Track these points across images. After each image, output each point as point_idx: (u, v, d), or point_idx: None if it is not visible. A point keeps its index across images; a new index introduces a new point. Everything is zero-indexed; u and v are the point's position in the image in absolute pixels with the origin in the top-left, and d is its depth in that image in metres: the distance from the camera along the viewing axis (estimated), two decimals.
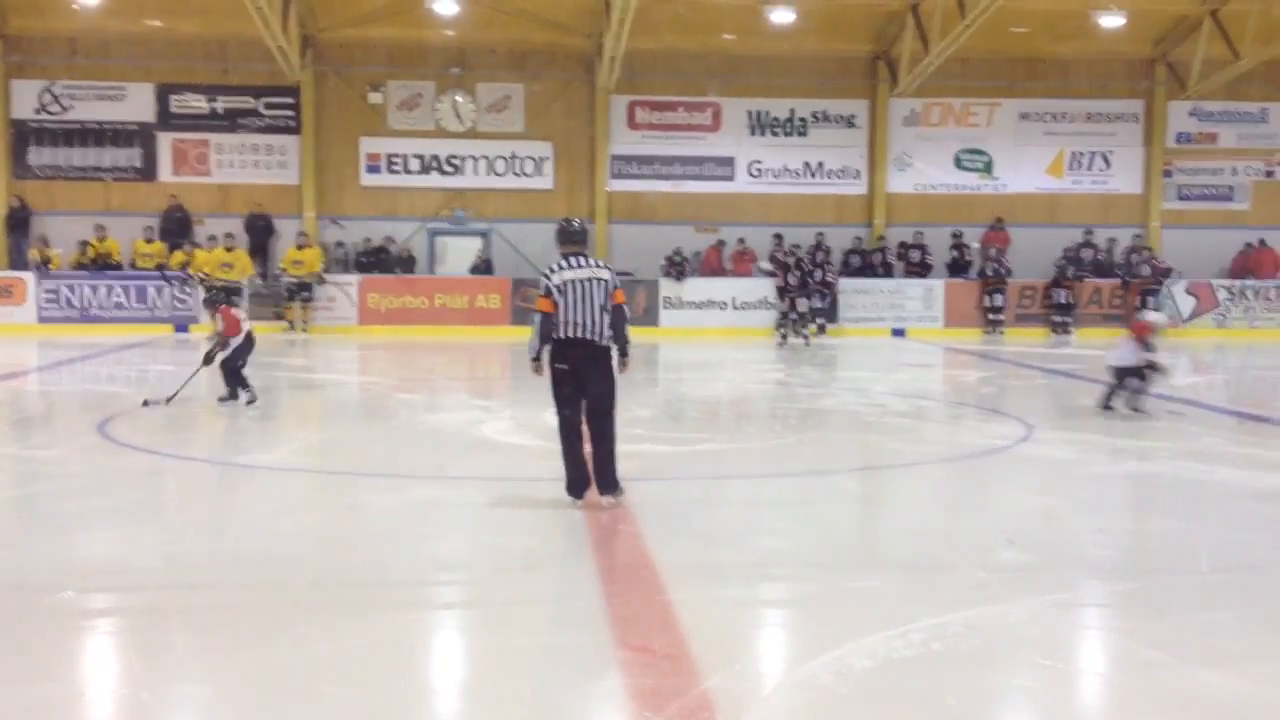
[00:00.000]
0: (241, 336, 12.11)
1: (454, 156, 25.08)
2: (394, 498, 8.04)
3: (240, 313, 12.37)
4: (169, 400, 12.08)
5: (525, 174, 25.24)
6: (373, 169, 25.02)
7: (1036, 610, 5.52)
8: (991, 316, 23.88)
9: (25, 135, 24.13)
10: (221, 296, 21.31)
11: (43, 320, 21.88)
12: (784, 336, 22.58)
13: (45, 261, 22.85)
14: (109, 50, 24.02)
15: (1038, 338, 23.50)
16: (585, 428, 7.41)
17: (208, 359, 12.19)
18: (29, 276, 22.20)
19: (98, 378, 15.55)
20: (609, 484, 7.40)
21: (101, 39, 23.84)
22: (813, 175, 25.74)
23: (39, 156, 24.21)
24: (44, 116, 24.18)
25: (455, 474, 8.82)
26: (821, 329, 23.08)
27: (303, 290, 22.30)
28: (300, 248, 22.79)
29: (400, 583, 5.96)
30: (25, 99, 24.12)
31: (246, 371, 12.27)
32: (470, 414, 12.37)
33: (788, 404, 13.95)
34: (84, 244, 23.28)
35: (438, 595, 5.90)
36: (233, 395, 12.17)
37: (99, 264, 22.90)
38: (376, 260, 24.02)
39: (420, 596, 5.82)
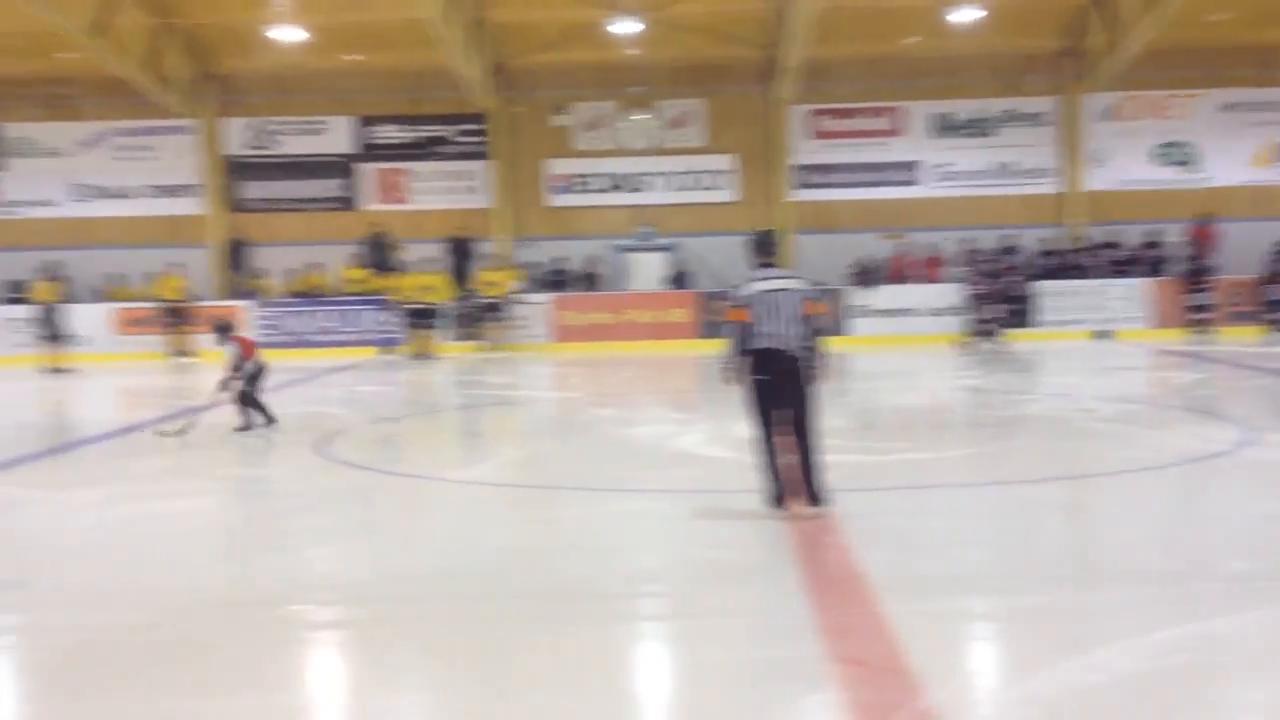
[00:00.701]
0: (254, 362, 12.09)
1: (638, 174, 25.39)
2: (595, 511, 8.19)
3: (250, 338, 12.35)
4: (180, 432, 11.88)
5: (708, 188, 25.38)
6: (560, 189, 25.54)
7: (1275, 622, 5.25)
8: (1197, 315, 22.80)
9: (239, 170, 25.51)
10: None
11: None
12: (976, 342, 22.04)
13: (260, 290, 24.09)
14: (311, 86, 25.19)
15: (1253, 336, 22.32)
16: (783, 439, 7.40)
17: (224, 387, 12.05)
18: (245, 305, 23.42)
19: (313, 399, 16.27)
20: (814, 494, 7.36)
21: (304, 75, 25.02)
22: (1000, 176, 25.12)
23: (252, 190, 25.56)
24: (254, 152, 25.52)
25: (654, 487, 8.91)
26: (1010, 333, 22.43)
27: (497, 310, 22.88)
28: (492, 269, 23.40)
29: (605, 595, 6.05)
30: (238, 136, 25.50)
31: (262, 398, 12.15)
32: (665, 427, 12.47)
33: (986, 411, 13.62)
34: (293, 272, 24.44)
35: (643, 607, 5.97)
36: (247, 425, 12.03)
37: (310, 292, 24.02)
38: (566, 278, 24.51)
39: (626, 609, 5.90)
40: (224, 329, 12.38)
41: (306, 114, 25.46)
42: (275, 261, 24.85)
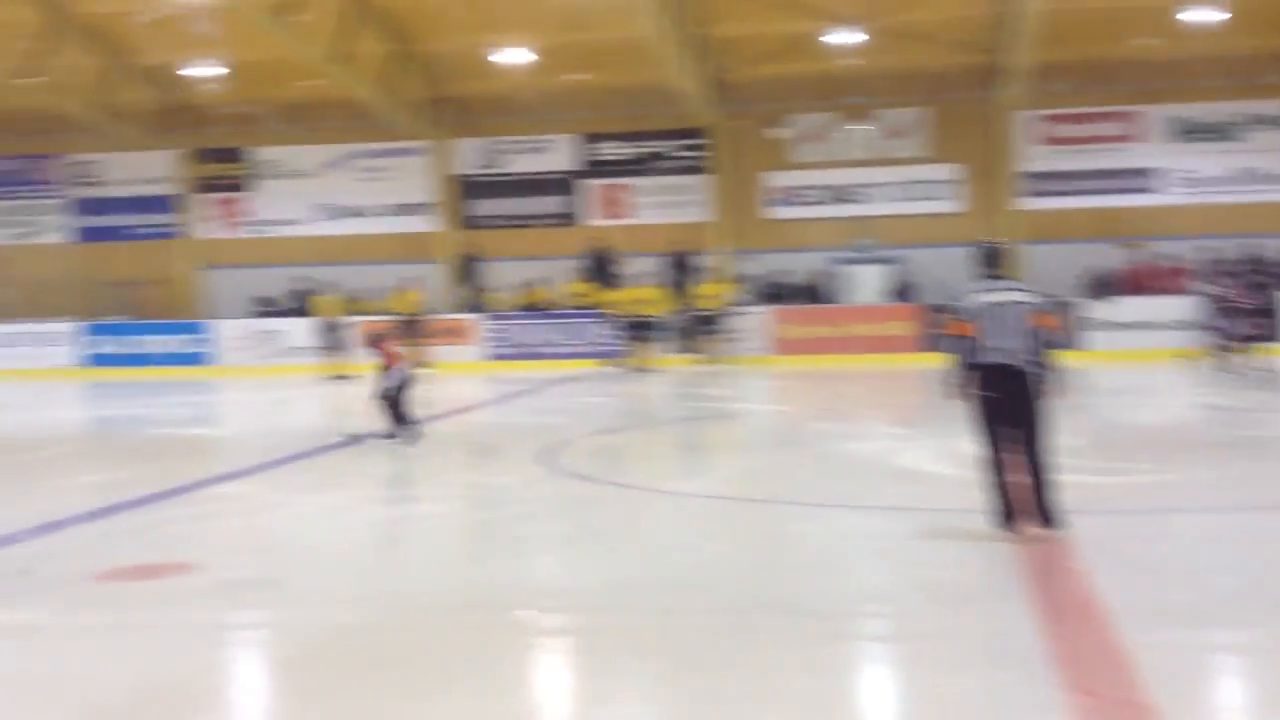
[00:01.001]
0: (400, 371, 12.25)
1: (857, 185, 25.10)
2: (814, 526, 8.12)
3: (398, 349, 12.50)
4: (359, 437, 12.32)
5: (930, 198, 24.88)
6: (778, 202, 25.49)
7: None
8: None
9: (469, 189, 26.46)
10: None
11: (488, 358, 23.81)
12: (1222, 357, 20.82)
13: (489, 304, 24.91)
14: (536, 106, 25.90)
15: None
16: (1012, 457, 7.17)
17: (378, 396, 12.30)
18: (476, 318, 24.24)
19: (539, 410, 16.71)
20: (1046, 516, 7.10)
21: (529, 96, 25.74)
22: (1243, 182, 23.73)
23: (481, 208, 26.47)
24: (484, 171, 26.42)
25: (874, 503, 8.77)
26: (1258, 347, 21.10)
27: (715, 323, 22.97)
28: (710, 282, 23.52)
29: (824, 613, 5.98)
30: (468, 156, 26.46)
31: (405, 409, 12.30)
32: (887, 442, 12.27)
33: (1233, 430, 12.88)
34: (520, 287, 25.16)
35: (864, 627, 5.88)
36: (392, 434, 12.23)
37: (536, 306, 24.70)
38: (786, 291, 24.43)
39: (846, 628, 5.82)
40: (373, 340, 12.69)
41: (532, 133, 26.20)
42: (502, 276, 25.65)
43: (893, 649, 5.56)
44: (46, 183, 27.58)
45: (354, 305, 25.27)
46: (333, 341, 22.31)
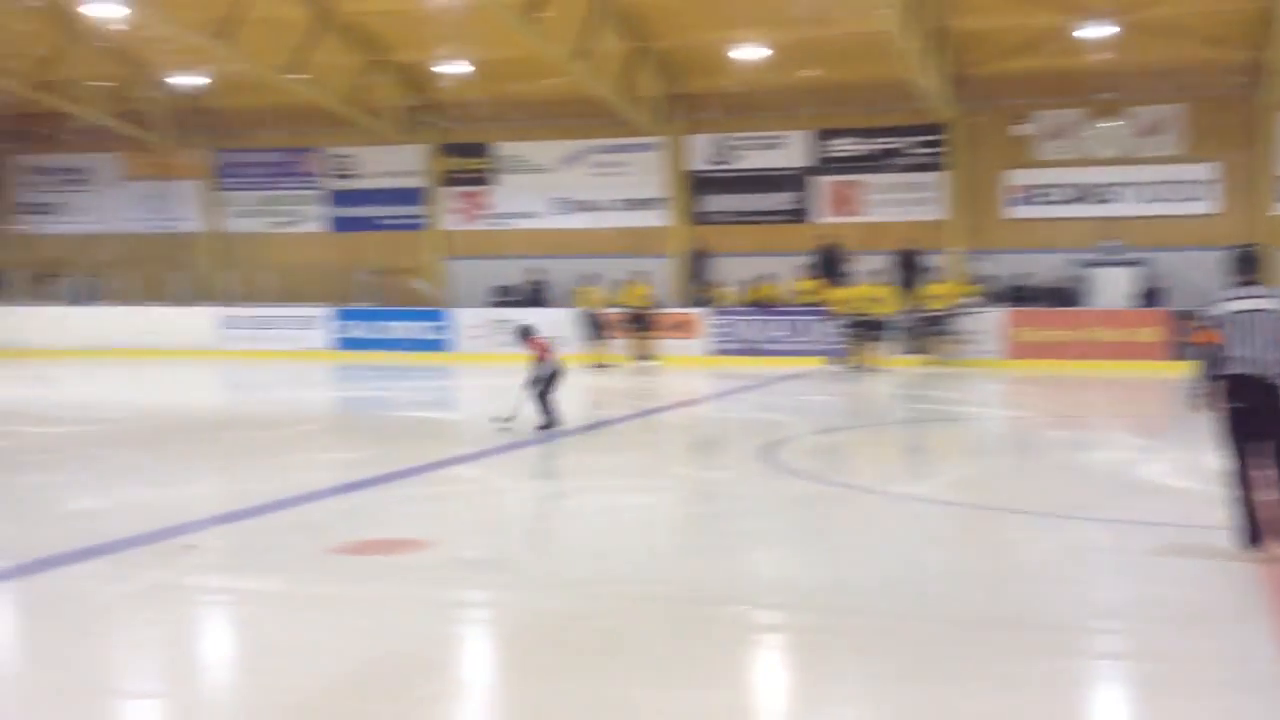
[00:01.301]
0: (550, 365, 12.37)
1: (1104, 184, 24.07)
2: (1045, 536, 7.86)
3: (548, 341, 12.64)
4: (508, 420, 12.48)
5: (1184, 199, 23.62)
6: (1019, 201, 24.69)
7: None
8: None
9: (701, 185, 26.66)
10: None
11: (713, 352, 23.95)
12: None
13: (715, 299, 25.05)
14: (770, 102, 25.85)
15: None
16: (1261, 473, 6.77)
17: (529, 385, 12.52)
18: (702, 313, 24.41)
19: (762, 406, 16.72)
20: None
21: (763, 92, 25.70)
22: None
23: (712, 203, 26.63)
24: (715, 167, 26.56)
25: (1111, 516, 8.41)
26: None
27: (944, 323, 22.43)
28: (940, 281, 22.98)
29: (1053, 626, 5.79)
30: (700, 152, 26.65)
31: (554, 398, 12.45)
32: (1126, 453, 11.75)
33: None
34: (747, 283, 25.20)
35: (1093, 643, 5.67)
36: (549, 424, 12.37)
37: (762, 302, 24.68)
38: (1024, 293, 23.65)
39: (1075, 643, 5.61)
40: (524, 333, 12.93)
41: (765, 129, 26.17)
42: (730, 272, 25.73)
43: (1125, 667, 5.34)
44: (307, 174, 29.24)
45: (599, 297, 25.87)
46: (595, 332, 23.09)
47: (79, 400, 17.65)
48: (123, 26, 23.70)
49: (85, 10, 22.50)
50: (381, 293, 27.81)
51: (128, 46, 25.76)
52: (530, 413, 12.53)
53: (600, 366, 22.36)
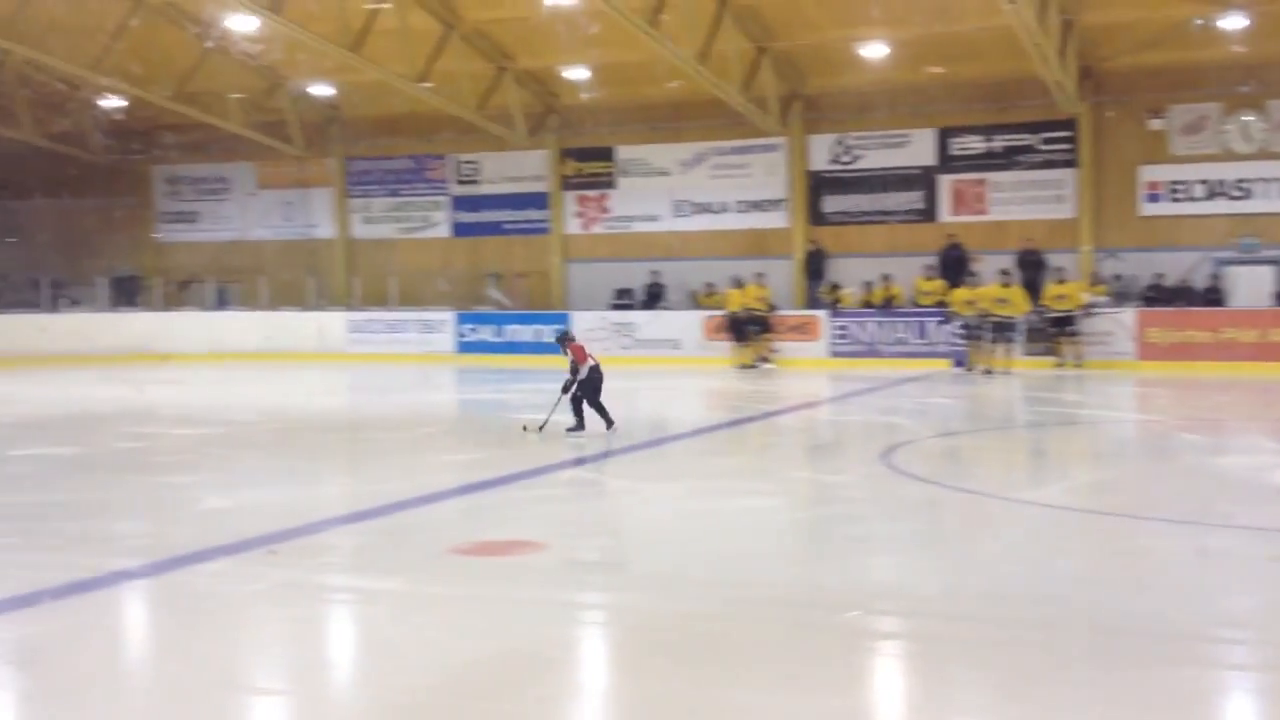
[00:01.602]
0: (585, 370, 12.22)
1: (1243, 180, 23.24)
2: (1175, 544, 7.63)
3: (586, 346, 12.51)
4: (540, 429, 12.45)
5: None
6: (1153, 198, 23.97)
7: None
8: None
9: (820, 185, 26.46)
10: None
11: (833, 355, 23.75)
12: None
13: (836, 301, 24.84)
14: (893, 100, 25.53)
15: None
16: None
17: (564, 389, 12.41)
18: (822, 315, 24.23)
19: (882, 409, 16.53)
20: None
21: (886, 90, 25.40)
22: None
23: (832, 204, 26.41)
24: (836, 167, 26.34)
25: (1246, 523, 8.13)
26: None
27: (1071, 324, 21.90)
28: (1064, 282, 22.44)
29: (1182, 635, 5.61)
30: (820, 152, 26.45)
31: (602, 400, 12.37)
32: (1264, 458, 11.35)
33: None
34: (869, 284, 24.93)
35: (1224, 654, 5.48)
36: (579, 426, 12.32)
37: (884, 303, 24.39)
38: (1157, 292, 22.95)
39: (1204, 653, 5.44)
40: (562, 338, 12.88)
41: (887, 128, 25.85)
42: (850, 273, 25.47)
43: (1255, 679, 5.16)
44: (433, 181, 29.79)
45: (740, 299, 25.85)
46: (742, 333, 23.24)
47: (213, 403, 18.28)
48: (260, 39, 24.48)
49: (227, 24, 23.32)
50: (507, 297, 28.20)
51: (264, 58, 26.58)
52: (568, 418, 12.49)
53: (747, 367, 22.81)
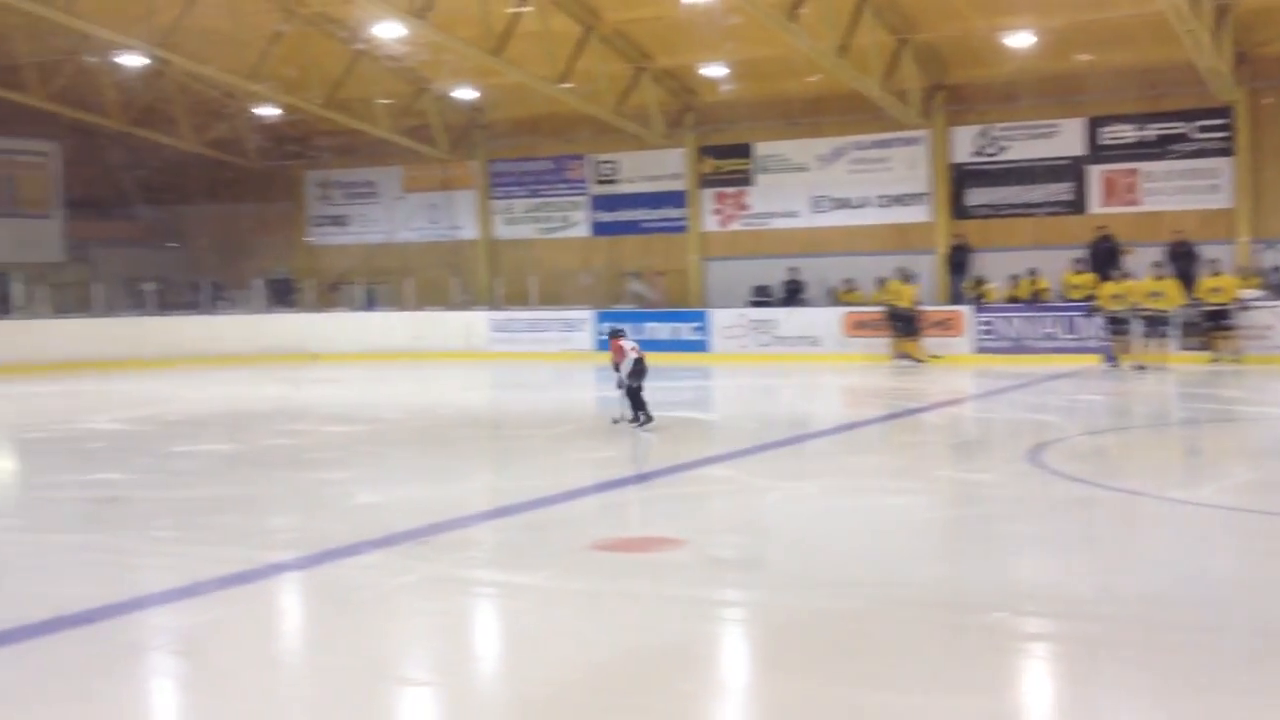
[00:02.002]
0: (629, 363, 12.61)
1: None
2: None
3: (627, 343, 13.00)
4: (624, 420, 12.91)
5: None
6: None
7: None
8: None
9: (963, 178, 25.96)
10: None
11: (979, 350, 23.27)
12: None
13: (980, 296, 24.33)
14: (1041, 90, 24.89)
15: None
16: None
17: (619, 385, 12.88)
18: (966, 310, 23.76)
19: (1029, 406, 16.14)
20: None
21: (1034, 80, 24.78)
22: None
23: (975, 197, 25.89)
24: (980, 159, 25.80)
25: None
26: None
27: (1228, 318, 21.05)
28: (1219, 274, 21.58)
29: None
30: (964, 144, 25.94)
31: (645, 396, 12.97)
32: None
33: None
34: (1015, 278, 24.36)
35: None
36: (635, 418, 12.78)
37: (1031, 298, 23.80)
38: None
39: None
40: (614, 334, 13.34)
41: (1034, 118, 25.23)
42: (995, 267, 24.92)
43: None
44: (572, 181, 30.11)
45: (845, 296, 25.59)
46: (903, 328, 23.10)
47: (362, 401, 18.78)
48: (406, 45, 25.09)
49: (375, 31, 23.96)
50: (647, 295, 28.36)
51: (410, 64, 27.21)
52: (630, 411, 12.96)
53: (905, 358, 22.69)
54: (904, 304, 23.31)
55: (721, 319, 25.65)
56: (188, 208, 33.47)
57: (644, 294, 28.26)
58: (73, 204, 31.35)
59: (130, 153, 31.18)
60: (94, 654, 5.53)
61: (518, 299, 28.81)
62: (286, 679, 5.30)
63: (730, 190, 28.33)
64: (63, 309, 27.74)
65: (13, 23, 24.35)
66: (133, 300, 29.01)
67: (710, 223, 28.64)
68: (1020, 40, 23.25)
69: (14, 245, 29.83)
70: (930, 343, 23.24)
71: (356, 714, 4.72)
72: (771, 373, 22.07)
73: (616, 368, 13.00)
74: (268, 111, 29.37)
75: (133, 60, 26.00)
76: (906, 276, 23.82)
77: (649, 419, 12.84)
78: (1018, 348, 22.84)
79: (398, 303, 29.84)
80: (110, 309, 27.80)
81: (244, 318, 28.84)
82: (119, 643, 5.71)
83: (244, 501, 9.56)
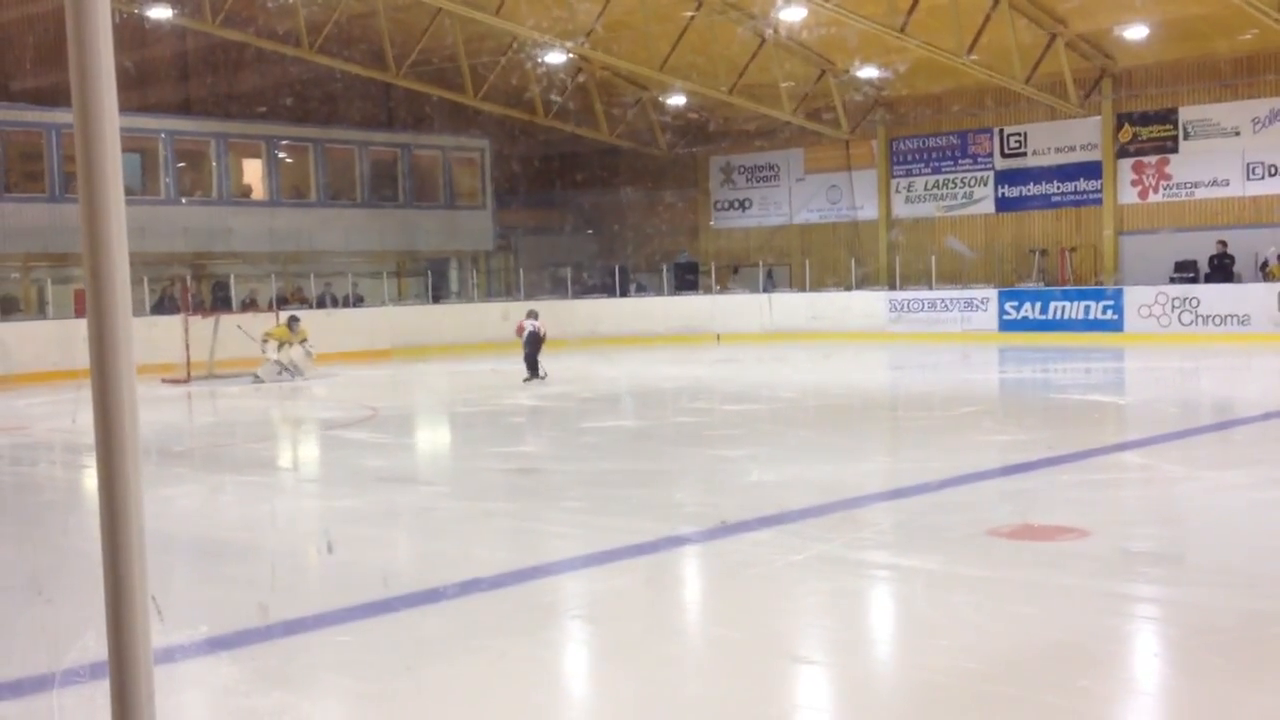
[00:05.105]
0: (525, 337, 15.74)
1: None
2: None
3: (528, 323, 17.30)
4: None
5: None
6: None
7: None
8: None
9: None
10: None
11: None
12: None
13: None
14: None
15: None
16: None
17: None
18: None
19: None
20: None
21: None
22: None
23: None
24: None
25: None
26: None
27: None
28: None
29: None
30: None
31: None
32: None
33: None
34: None
35: None
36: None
37: None
38: None
39: None
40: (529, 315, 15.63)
41: None
42: None
43: None
44: (976, 156, 29.16)
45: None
46: None
47: (760, 381, 19.11)
48: (810, 27, 25.20)
49: (779, 15, 24.26)
50: (1052, 272, 27.11)
51: (814, 46, 27.32)
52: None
53: None
54: None
55: (1138, 296, 24.04)
56: (601, 196, 35.25)
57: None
58: (500, 195, 33.81)
59: (549, 145, 33.25)
60: (509, 614, 5.97)
61: (917, 278, 28.28)
62: (684, 649, 5.49)
63: (1150, 159, 26.45)
64: (492, 293, 30.06)
65: (452, 29, 26.56)
66: (553, 285, 30.98)
67: (1128, 194, 26.87)
68: None
69: (452, 235, 32.57)
70: None
71: (754, 689, 4.81)
72: (1194, 354, 20.48)
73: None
74: (675, 101, 30.38)
75: (554, 58, 27.75)
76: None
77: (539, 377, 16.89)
78: None
79: (797, 284, 30.08)
80: (532, 293, 29.80)
81: (651, 300, 30.09)
82: (531, 605, 6.13)
83: (647, 476, 9.99)
